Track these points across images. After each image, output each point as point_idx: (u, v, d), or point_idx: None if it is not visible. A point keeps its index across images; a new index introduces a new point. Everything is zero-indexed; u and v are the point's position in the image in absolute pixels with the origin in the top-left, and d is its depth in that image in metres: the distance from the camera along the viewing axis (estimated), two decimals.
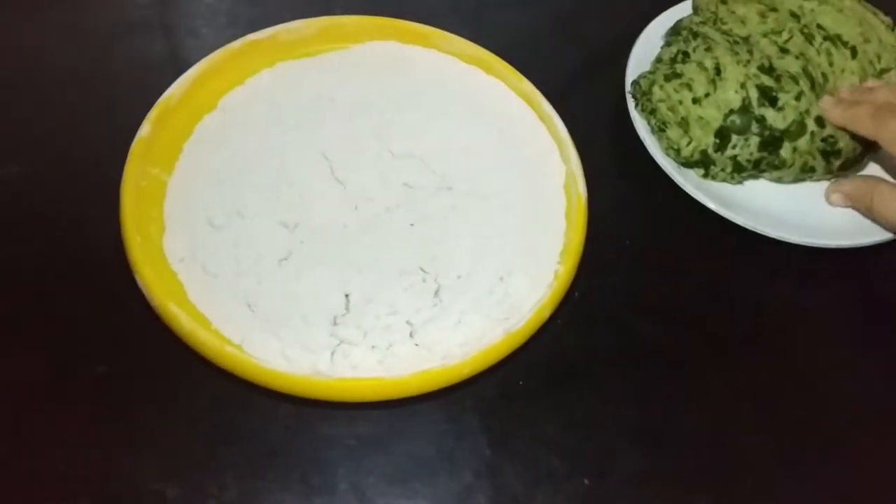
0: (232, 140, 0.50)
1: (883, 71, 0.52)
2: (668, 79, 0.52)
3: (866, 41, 0.52)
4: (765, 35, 0.52)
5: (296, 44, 0.54)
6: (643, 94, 0.53)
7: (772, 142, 0.50)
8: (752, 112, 0.50)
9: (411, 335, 0.44)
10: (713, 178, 0.51)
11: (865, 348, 0.49)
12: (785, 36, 0.52)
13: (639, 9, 0.60)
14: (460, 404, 0.43)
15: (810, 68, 0.50)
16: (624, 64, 0.56)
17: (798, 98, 0.49)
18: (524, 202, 0.50)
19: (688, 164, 0.51)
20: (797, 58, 0.51)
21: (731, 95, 0.50)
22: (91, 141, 0.51)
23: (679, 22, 0.56)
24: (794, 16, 0.53)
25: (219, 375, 0.42)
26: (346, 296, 0.45)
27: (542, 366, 0.45)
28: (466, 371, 0.42)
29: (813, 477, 0.43)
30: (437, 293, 0.45)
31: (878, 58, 0.52)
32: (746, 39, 0.52)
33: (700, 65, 0.51)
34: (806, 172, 0.51)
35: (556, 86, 0.55)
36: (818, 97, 0.50)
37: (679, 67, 0.52)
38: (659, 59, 0.54)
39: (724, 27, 0.53)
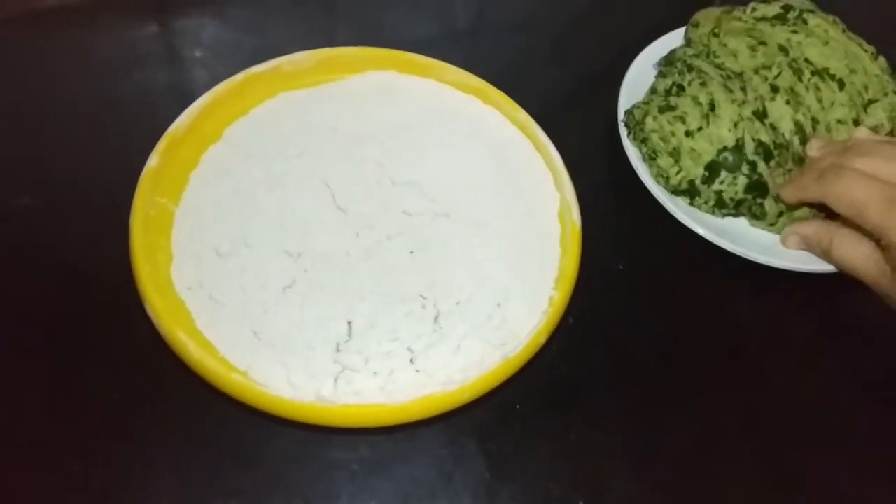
0: (236, 170, 0.51)
1: (871, 102, 0.53)
2: (662, 110, 0.53)
3: (852, 72, 0.54)
4: (756, 71, 0.53)
5: (297, 75, 0.56)
6: (636, 124, 0.54)
7: (758, 187, 0.51)
8: (745, 155, 0.51)
9: (412, 361, 0.45)
10: (698, 207, 0.53)
11: (851, 370, 0.50)
12: (775, 71, 0.53)
13: (631, 35, 0.61)
14: (459, 428, 0.45)
15: (800, 116, 0.52)
16: (617, 90, 0.57)
17: (796, 163, 0.51)
18: (520, 229, 0.51)
19: (676, 191, 0.53)
20: (787, 102, 0.52)
21: (724, 133, 0.51)
22: (101, 172, 0.52)
23: (673, 52, 0.57)
24: (783, 49, 0.54)
25: (225, 401, 0.43)
26: (349, 323, 0.46)
27: (538, 390, 0.47)
28: (466, 396, 0.43)
29: (803, 496, 0.45)
30: (436, 319, 0.47)
31: (866, 88, 0.54)
32: (740, 75, 0.53)
33: (695, 99, 0.53)
34: (784, 225, 0.53)
35: (550, 112, 0.56)
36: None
37: (673, 100, 0.53)
38: (654, 90, 0.56)
39: (717, 60, 0.55)
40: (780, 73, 0.53)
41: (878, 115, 0.53)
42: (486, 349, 0.46)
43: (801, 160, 0.52)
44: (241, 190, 0.51)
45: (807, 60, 0.54)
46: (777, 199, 0.51)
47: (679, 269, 0.53)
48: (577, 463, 0.45)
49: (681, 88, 0.54)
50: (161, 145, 0.50)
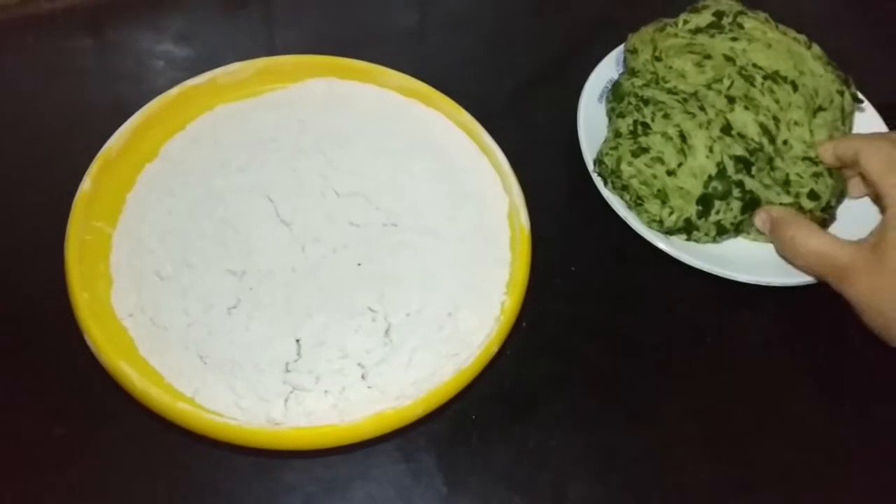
0: (175, 188, 0.50)
1: (821, 109, 0.53)
2: (635, 154, 0.51)
3: (801, 73, 0.53)
4: (708, 86, 0.52)
5: (235, 86, 0.54)
6: (611, 173, 0.52)
7: (752, 204, 0.50)
8: (730, 177, 0.50)
9: (363, 377, 0.44)
10: (696, 241, 0.52)
11: (809, 370, 0.50)
12: (726, 83, 0.52)
13: (572, 32, 0.61)
14: (415, 443, 0.44)
15: (762, 118, 0.51)
16: (561, 87, 0.56)
17: (769, 163, 0.51)
18: (469, 235, 0.50)
19: (671, 232, 0.51)
20: (746, 108, 0.51)
21: (703, 161, 0.50)
22: (32, 196, 0.50)
23: (619, 85, 0.55)
24: (729, 59, 0.53)
25: (175, 430, 0.42)
26: (297, 341, 0.45)
27: (493, 398, 0.46)
28: (419, 411, 0.43)
29: (765, 496, 0.45)
30: (387, 332, 0.46)
31: (816, 93, 0.53)
32: (694, 95, 0.52)
33: (664, 135, 0.51)
34: None
35: (495, 114, 0.56)
36: (777, 151, 0.51)
37: (643, 140, 0.51)
38: (617, 133, 0.53)
39: (668, 85, 0.53)
40: (732, 83, 0.52)
41: (821, 133, 0.53)
42: (439, 361, 0.45)
43: (771, 160, 0.51)
44: (181, 209, 0.49)
45: (755, 66, 0.53)
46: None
47: (632, 270, 0.52)
48: (537, 470, 0.44)
49: (646, 126, 0.52)
50: (94, 167, 0.48)
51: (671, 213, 0.51)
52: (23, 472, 0.41)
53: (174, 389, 0.43)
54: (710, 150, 0.50)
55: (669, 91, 0.53)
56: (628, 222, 0.51)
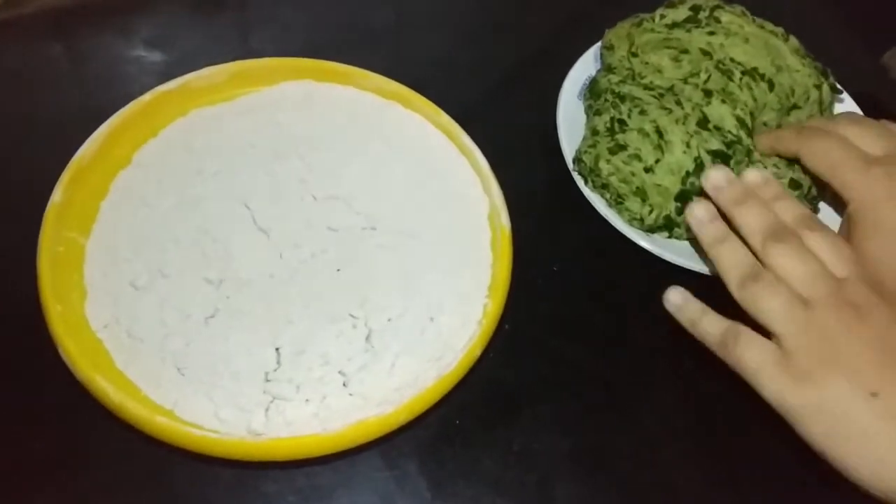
0: (149, 196, 0.49)
1: (795, 107, 0.53)
2: (612, 151, 0.51)
3: (778, 70, 0.53)
4: (685, 80, 0.52)
5: (209, 90, 0.54)
6: (590, 171, 0.51)
7: None
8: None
9: (345, 385, 0.44)
10: (677, 238, 0.51)
11: None
12: (703, 76, 0.52)
13: (551, 31, 0.60)
14: (399, 449, 0.44)
15: (739, 112, 0.51)
16: (540, 86, 0.56)
17: (748, 156, 0.50)
18: (450, 237, 0.50)
19: (652, 230, 0.51)
20: (723, 101, 0.51)
21: (680, 157, 0.50)
22: (1, 207, 0.49)
23: (596, 82, 0.55)
24: (706, 53, 0.53)
25: (153, 443, 0.41)
26: (277, 349, 0.45)
27: (477, 402, 0.46)
28: (402, 418, 0.42)
29: (743, 496, 0.45)
30: (368, 338, 0.46)
31: (792, 91, 0.53)
32: (670, 89, 0.52)
33: (641, 132, 0.51)
34: None
35: (474, 115, 0.55)
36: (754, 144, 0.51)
37: (621, 138, 0.51)
38: (594, 131, 0.52)
39: (644, 81, 0.53)
40: (709, 77, 0.52)
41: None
42: (421, 365, 0.44)
43: (749, 153, 0.51)
44: (156, 217, 0.48)
45: (733, 60, 0.52)
46: None
47: (614, 269, 0.52)
48: (523, 473, 0.44)
49: (622, 123, 0.51)
50: (66, 176, 0.47)
51: (651, 212, 0.50)
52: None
53: (152, 402, 0.42)
54: (687, 145, 0.50)
55: (646, 87, 0.53)
56: (610, 221, 0.51)
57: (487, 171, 0.51)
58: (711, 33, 0.54)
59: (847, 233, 0.46)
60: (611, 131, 0.52)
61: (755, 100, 0.52)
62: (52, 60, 0.57)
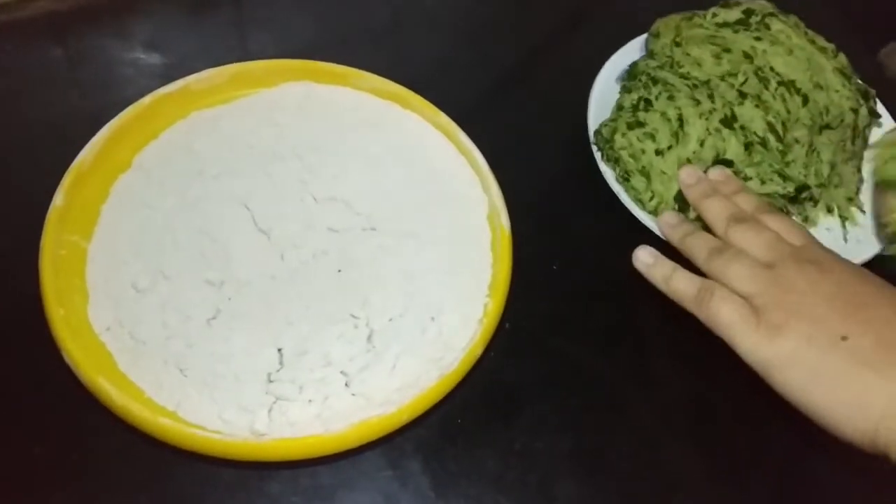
0: (150, 199, 0.49)
1: (827, 127, 0.53)
2: (630, 127, 0.52)
3: (817, 87, 0.53)
4: (722, 78, 0.53)
5: (208, 92, 0.54)
6: (606, 143, 0.52)
7: None
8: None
9: (347, 385, 0.44)
10: None
11: None
12: (741, 78, 0.52)
13: (549, 30, 0.60)
14: (401, 449, 0.44)
15: (771, 118, 0.51)
16: (539, 85, 0.56)
17: (761, 162, 0.51)
18: (450, 237, 0.50)
19: (653, 213, 0.52)
20: (757, 106, 0.51)
21: (691, 154, 0.50)
22: (3, 212, 0.49)
23: (635, 65, 0.56)
24: (748, 56, 0.53)
25: (156, 444, 0.41)
26: (279, 350, 0.45)
27: (478, 401, 0.46)
28: (404, 418, 0.42)
29: (745, 491, 0.45)
30: (369, 338, 0.46)
31: (826, 110, 0.53)
32: (706, 83, 0.52)
33: (663, 115, 0.51)
34: None
35: (473, 114, 0.55)
36: (785, 146, 0.51)
37: (642, 115, 0.52)
38: (620, 107, 0.53)
39: (682, 70, 0.53)
40: (746, 80, 0.52)
41: (825, 151, 0.52)
42: (423, 365, 0.45)
43: (783, 153, 0.51)
44: (156, 219, 0.49)
45: (772, 69, 0.53)
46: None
47: (613, 267, 0.52)
48: (524, 472, 0.44)
49: (648, 103, 0.52)
50: (66, 180, 0.47)
51: (651, 198, 0.51)
52: (2, 495, 0.41)
53: (155, 404, 0.42)
54: (702, 144, 0.50)
55: (682, 76, 0.53)
56: (619, 196, 0.52)
57: (486, 170, 0.51)
58: (758, 38, 0.54)
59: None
60: (635, 108, 0.53)
61: (788, 111, 0.52)
62: (52, 64, 0.57)
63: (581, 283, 0.51)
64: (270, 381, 0.44)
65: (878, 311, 0.41)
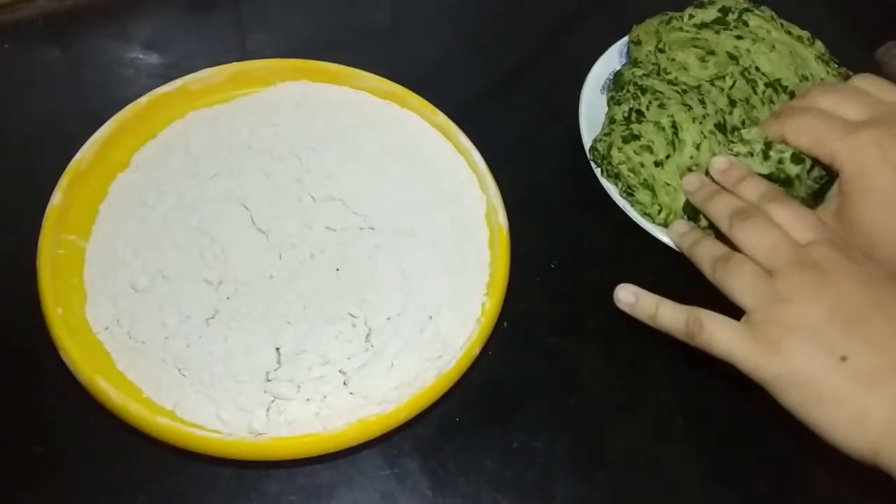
0: (148, 198, 0.49)
1: None
2: (626, 140, 0.51)
3: (803, 80, 0.53)
4: (711, 82, 0.52)
5: (206, 92, 0.54)
6: (603, 159, 0.52)
7: None
8: None
9: (345, 384, 0.44)
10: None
11: None
12: (728, 81, 0.52)
13: (545, 27, 0.60)
14: (399, 448, 0.44)
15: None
16: (536, 83, 0.56)
17: (766, 157, 0.50)
18: (447, 236, 0.50)
19: (664, 226, 0.51)
20: (746, 112, 0.51)
21: (689, 161, 0.50)
22: (2, 210, 0.49)
23: (620, 75, 0.55)
24: (733, 58, 0.53)
25: (155, 444, 0.41)
26: (277, 349, 0.45)
27: (476, 400, 0.46)
28: (402, 416, 0.42)
29: (745, 492, 0.45)
30: (367, 337, 0.46)
31: None
32: (696, 88, 0.52)
33: (657, 124, 0.51)
34: None
35: (470, 113, 0.55)
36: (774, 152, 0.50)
37: (636, 128, 0.51)
38: (612, 120, 0.53)
39: (669, 76, 0.53)
40: (734, 83, 0.52)
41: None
42: (421, 364, 0.45)
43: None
44: (155, 219, 0.49)
45: (758, 69, 0.53)
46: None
47: (612, 266, 0.52)
48: (523, 471, 0.44)
49: (640, 114, 0.52)
50: (64, 180, 0.47)
51: (660, 211, 0.51)
52: (1, 493, 0.41)
53: (153, 403, 0.42)
54: (698, 147, 0.50)
55: (670, 82, 0.53)
56: (626, 211, 0.51)
57: (484, 169, 0.51)
58: (739, 37, 0.54)
59: (838, 203, 0.46)
60: (627, 121, 0.52)
61: None
62: (49, 64, 0.57)
63: (579, 282, 0.51)
64: (268, 380, 0.44)
65: (879, 326, 0.40)
